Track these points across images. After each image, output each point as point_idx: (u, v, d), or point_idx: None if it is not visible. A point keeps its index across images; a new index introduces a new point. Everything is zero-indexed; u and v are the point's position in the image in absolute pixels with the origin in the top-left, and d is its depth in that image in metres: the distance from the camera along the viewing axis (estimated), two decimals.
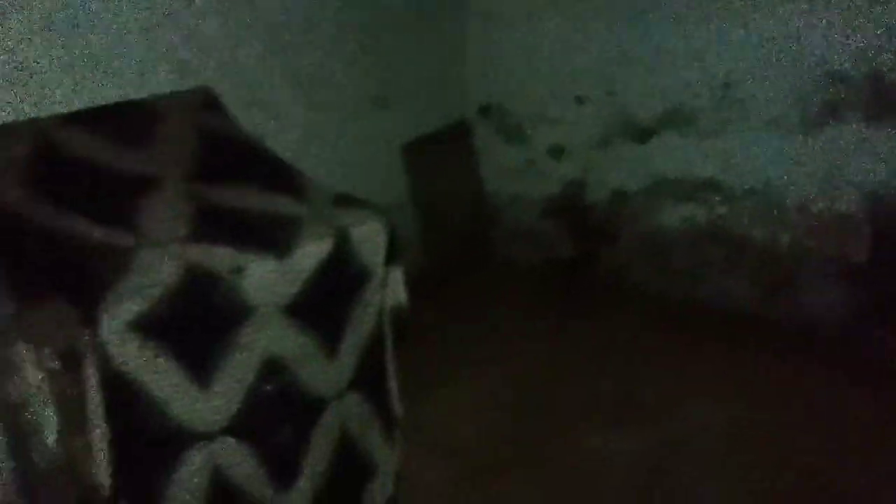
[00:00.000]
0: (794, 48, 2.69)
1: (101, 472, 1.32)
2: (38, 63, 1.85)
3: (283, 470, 1.57)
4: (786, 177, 2.82)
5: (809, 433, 2.32)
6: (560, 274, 3.41)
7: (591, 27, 3.06)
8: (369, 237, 1.60)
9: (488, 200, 3.52)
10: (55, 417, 1.48)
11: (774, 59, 2.73)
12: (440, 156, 3.31)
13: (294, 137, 2.56)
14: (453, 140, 3.39)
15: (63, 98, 1.88)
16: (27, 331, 1.41)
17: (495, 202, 3.51)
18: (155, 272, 1.33)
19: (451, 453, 2.28)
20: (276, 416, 1.53)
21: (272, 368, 1.49)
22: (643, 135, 3.08)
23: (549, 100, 3.23)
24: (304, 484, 1.61)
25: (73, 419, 1.44)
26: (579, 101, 3.17)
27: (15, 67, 1.82)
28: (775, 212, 2.87)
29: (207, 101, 1.89)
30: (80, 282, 1.29)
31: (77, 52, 1.94)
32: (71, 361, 1.27)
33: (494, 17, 3.28)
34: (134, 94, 1.97)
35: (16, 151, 1.55)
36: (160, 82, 2.08)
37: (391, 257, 1.66)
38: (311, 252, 1.50)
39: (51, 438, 1.52)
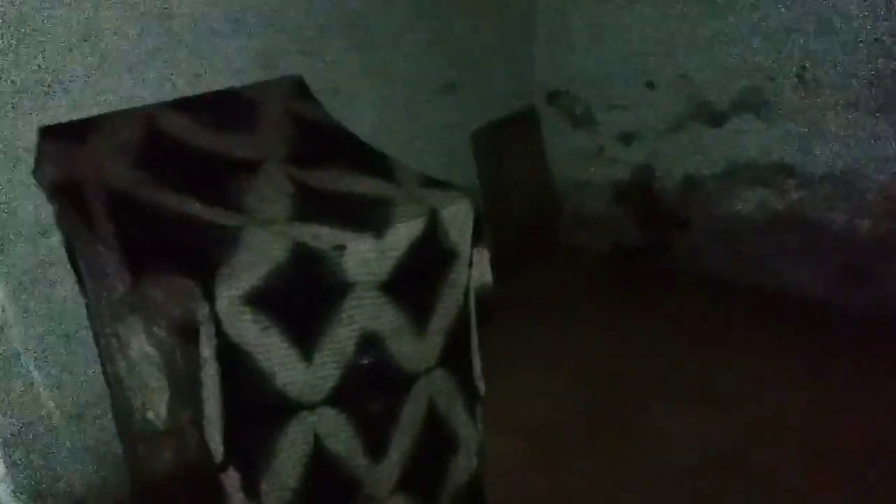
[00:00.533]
0: (870, 28, 2.64)
1: (215, 439, 1.40)
2: (133, 52, 1.94)
3: (375, 441, 1.64)
4: (864, 160, 2.77)
5: (891, 421, 2.29)
6: (629, 261, 3.41)
7: (663, 11, 3.05)
8: (457, 218, 1.65)
9: (555, 187, 3.54)
10: (167, 388, 1.58)
11: (852, 40, 2.68)
12: (508, 142, 3.35)
13: (367, 124, 2.62)
14: (521, 127, 3.42)
15: (159, 86, 1.98)
16: (142, 304, 1.51)
17: (562, 189, 3.53)
18: (263, 250, 1.40)
19: (524, 434, 2.33)
20: (369, 390, 1.59)
21: (368, 343, 1.55)
22: (716, 119, 3.05)
23: (619, 85, 3.22)
24: (394, 456, 1.68)
25: (183, 389, 1.54)
26: (650, 85, 3.16)
27: (113, 58, 1.91)
28: (853, 197, 2.83)
29: (298, 89, 1.97)
30: (194, 258, 1.37)
31: (169, 41, 2.02)
32: (187, 333, 1.35)
33: (564, 2, 3.29)
34: (224, 82, 2.08)
35: (128, 137, 1.64)
36: (247, 70, 2.17)
37: (477, 238, 1.71)
38: (404, 232, 1.56)
39: (162, 408, 1.62)
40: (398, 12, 2.76)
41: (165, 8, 1.99)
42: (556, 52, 3.35)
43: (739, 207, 3.09)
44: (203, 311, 1.31)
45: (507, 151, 3.33)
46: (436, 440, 1.76)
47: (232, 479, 1.42)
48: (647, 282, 3.26)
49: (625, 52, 3.18)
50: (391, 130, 2.80)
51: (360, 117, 2.60)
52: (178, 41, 2.02)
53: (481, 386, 1.82)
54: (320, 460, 1.54)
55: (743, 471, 2.14)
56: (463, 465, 1.84)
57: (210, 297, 1.31)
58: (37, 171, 1.68)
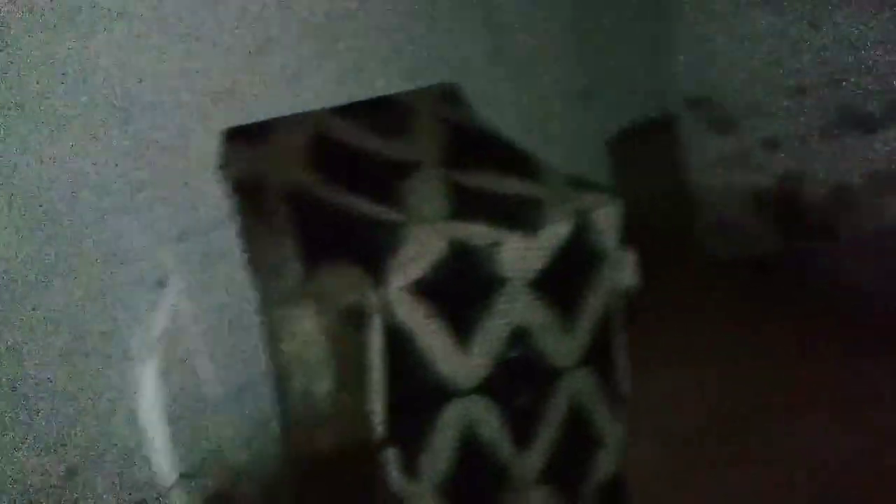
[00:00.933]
0: None
1: (377, 419, 1.50)
2: (304, 62, 2.12)
3: (521, 432, 1.70)
4: None
5: None
6: (769, 271, 3.30)
7: (812, 15, 2.96)
8: (607, 219, 1.69)
9: (693, 194, 3.48)
10: (331, 371, 1.71)
11: None
12: (645, 149, 3.33)
13: (503, 130, 2.70)
14: (659, 133, 3.40)
15: (322, 93, 2.14)
16: (313, 292, 1.64)
17: (701, 197, 3.47)
18: (426, 244, 1.50)
19: (661, 439, 2.31)
20: (517, 382, 1.66)
21: (517, 337, 1.62)
22: (869, 125, 2.92)
23: (765, 90, 3.14)
24: (538, 448, 1.74)
25: (347, 372, 1.66)
26: (799, 91, 3.06)
27: (281, 68, 2.09)
28: None
29: (452, 94, 2.08)
30: (365, 250, 1.50)
31: (328, 51, 2.19)
32: (357, 319, 1.47)
33: (706, 7, 3.24)
34: (378, 90, 2.21)
35: (299, 140, 1.80)
36: (402, 76, 2.31)
37: (625, 239, 1.74)
38: (554, 231, 1.62)
39: (324, 390, 1.75)
40: (538, 19, 2.82)
41: (325, 21, 2.16)
42: (698, 56, 3.30)
43: (893, 220, 2.94)
44: (374, 298, 1.43)
45: (644, 158, 3.32)
46: (579, 436, 1.80)
47: (392, 457, 1.53)
48: (789, 293, 3.14)
49: (771, 57, 3.10)
50: (526, 137, 2.86)
51: (497, 123, 2.68)
52: (335, 52, 2.19)
53: (625, 386, 1.84)
54: (471, 446, 1.62)
55: (891, 487, 2.05)
56: (605, 464, 1.87)
57: (381, 286, 1.43)
58: (220, 169, 1.86)
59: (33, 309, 1.72)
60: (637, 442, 2.14)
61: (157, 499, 2.01)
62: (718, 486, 2.13)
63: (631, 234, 3.28)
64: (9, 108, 1.66)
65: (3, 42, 1.65)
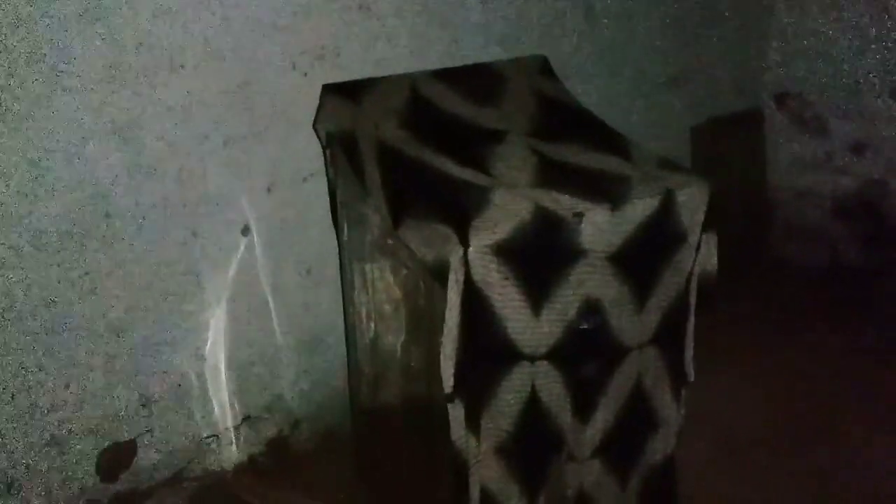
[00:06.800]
0: None
1: (447, 372, 1.55)
2: (395, 26, 2.15)
3: (582, 404, 1.73)
4: None
5: None
6: (846, 281, 3.21)
7: None
8: (692, 200, 1.69)
9: (771, 194, 3.42)
10: (404, 325, 1.77)
11: None
12: (727, 142, 3.28)
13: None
14: (743, 127, 3.34)
15: (417, 56, 2.18)
16: (395, 247, 1.70)
17: (779, 197, 3.40)
18: (510, 209, 1.54)
19: (717, 440, 2.28)
20: (585, 353, 1.69)
21: (590, 309, 1.64)
22: None
23: (857, 91, 3.05)
24: (598, 422, 1.76)
25: (420, 327, 1.72)
26: (892, 94, 2.96)
27: (379, 30, 2.13)
28: None
29: (542, 67, 2.10)
30: (450, 210, 1.54)
31: (425, 17, 2.22)
32: (438, 275, 1.52)
33: (800, 1, 3.16)
34: (470, 57, 2.24)
35: (396, 99, 1.85)
36: (491, 47, 2.34)
37: (708, 223, 1.74)
38: (639, 207, 1.63)
39: (397, 343, 1.81)
40: (637, 7, 2.80)
41: None
42: (791, 50, 3.23)
43: None
44: (456, 255, 1.47)
45: (726, 151, 3.26)
46: (638, 415, 1.82)
47: (457, 411, 1.57)
48: (866, 304, 3.06)
49: (868, 56, 3.01)
50: (609, 119, 2.85)
51: (582, 100, 2.69)
52: (432, 17, 2.22)
53: (691, 371, 1.85)
54: (533, 410, 1.65)
55: None
56: (660, 446, 1.88)
57: (464, 244, 1.47)
58: (316, 122, 1.92)
59: (124, 240, 1.82)
60: (690, 439, 2.15)
61: (221, 436, 2.10)
62: (763, 491, 2.12)
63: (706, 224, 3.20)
64: (131, 49, 1.74)
65: None
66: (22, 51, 1.61)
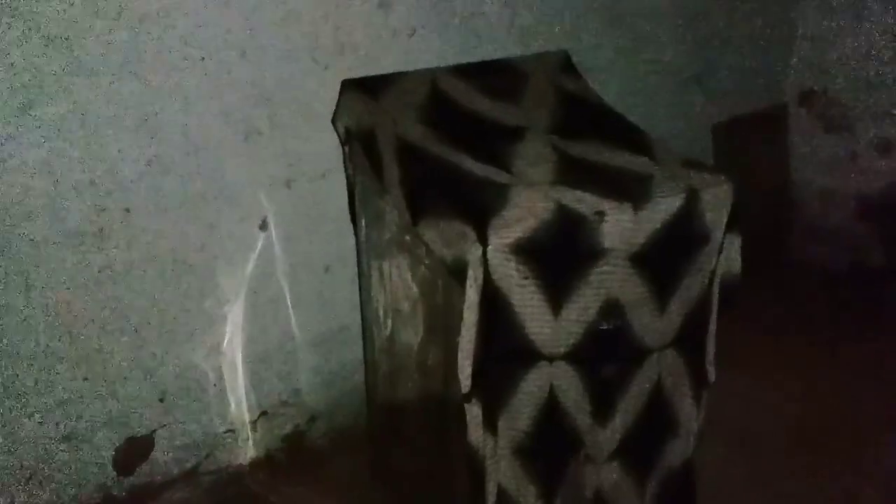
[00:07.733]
0: None
1: (465, 371, 1.53)
2: (415, 23, 2.14)
3: (601, 405, 1.70)
4: None
5: None
6: (868, 284, 3.16)
7: None
8: (716, 200, 1.66)
9: (794, 193, 3.37)
10: (421, 322, 1.76)
11: None
12: (750, 140, 3.23)
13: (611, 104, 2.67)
14: (766, 125, 3.29)
15: (436, 52, 2.16)
16: (413, 243, 1.68)
17: (801, 196, 3.35)
18: (530, 207, 1.51)
19: (732, 442, 2.26)
20: (604, 354, 1.66)
21: (610, 309, 1.62)
22: None
23: (885, 89, 3.00)
24: (616, 423, 1.74)
25: (437, 324, 1.70)
26: None
27: (399, 26, 2.12)
28: None
29: (564, 64, 2.07)
30: (470, 208, 1.51)
31: (445, 14, 2.20)
32: (456, 273, 1.50)
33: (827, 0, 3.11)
34: (490, 53, 2.22)
35: (415, 96, 1.83)
36: (513, 43, 2.32)
37: (731, 224, 1.71)
38: (662, 207, 1.60)
39: (414, 341, 1.80)
40: (662, 3, 2.76)
41: None
42: (816, 48, 3.18)
43: None
44: (475, 254, 1.45)
45: (748, 150, 3.22)
46: (657, 418, 1.79)
47: (474, 411, 1.55)
48: (889, 308, 3.01)
49: (892, 56, 2.95)
50: (631, 116, 2.82)
51: (604, 95, 2.65)
52: (453, 12, 2.20)
53: (712, 373, 1.82)
54: (551, 410, 1.63)
55: None
56: (679, 448, 1.85)
57: (483, 242, 1.45)
58: (335, 118, 1.91)
59: (143, 231, 1.82)
60: (709, 441, 2.13)
61: (238, 431, 2.10)
62: (777, 495, 2.09)
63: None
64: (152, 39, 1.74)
65: None
66: (37, 42, 1.60)
